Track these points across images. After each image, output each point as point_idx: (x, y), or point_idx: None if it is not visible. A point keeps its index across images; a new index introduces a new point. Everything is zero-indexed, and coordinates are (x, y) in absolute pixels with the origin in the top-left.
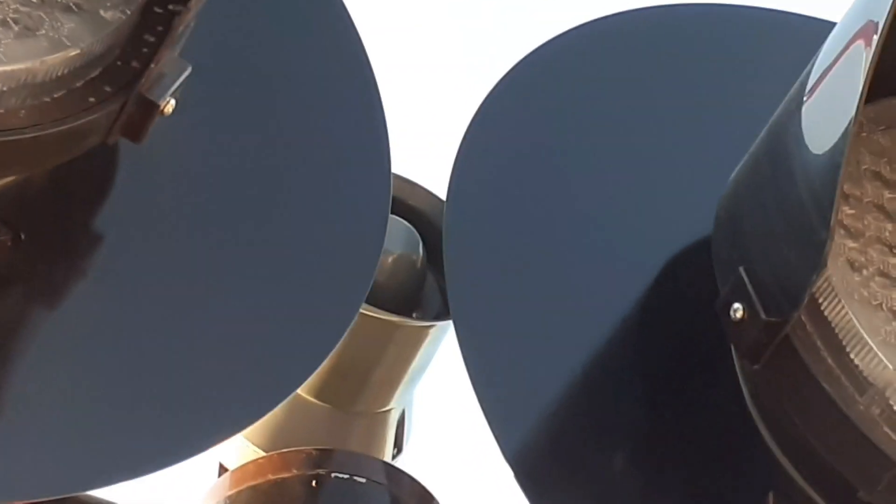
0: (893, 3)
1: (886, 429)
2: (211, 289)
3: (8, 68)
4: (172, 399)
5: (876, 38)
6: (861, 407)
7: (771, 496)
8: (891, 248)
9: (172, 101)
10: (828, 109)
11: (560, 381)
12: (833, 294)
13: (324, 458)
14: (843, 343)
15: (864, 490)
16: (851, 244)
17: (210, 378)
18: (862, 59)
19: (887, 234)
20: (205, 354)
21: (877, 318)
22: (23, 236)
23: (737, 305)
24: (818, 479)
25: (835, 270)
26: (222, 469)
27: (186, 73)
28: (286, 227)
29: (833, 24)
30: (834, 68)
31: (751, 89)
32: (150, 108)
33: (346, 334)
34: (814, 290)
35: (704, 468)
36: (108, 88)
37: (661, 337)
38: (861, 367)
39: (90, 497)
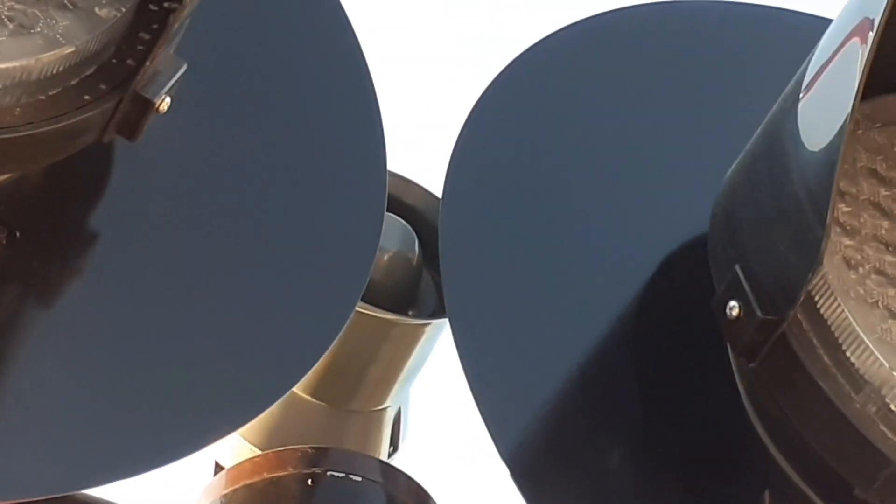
0: (889, 1)
1: (882, 427)
2: (206, 287)
3: (3, 66)
4: (168, 398)
5: (872, 35)
6: (857, 405)
7: (767, 494)
8: (887, 245)
9: (168, 99)
10: (824, 106)
11: (556, 380)
12: (829, 292)
13: (320, 456)
14: (840, 341)
15: (860, 488)
16: (847, 242)
17: (206, 376)
18: (858, 56)
19: (883, 231)
20: (200, 353)
21: (873, 316)
22: (18, 234)
23: (733, 303)
24: (814, 477)
25: (831, 268)
26: (218, 467)
27: (182, 71)
28: (281, 224)
29: (829, 21)
30: (830, 65)
31: (747, 86)
32: (145, 105)
33: (341, 332)
34: (810, 287)
35: (701, 466)
36: (103, 86)
37: (657, 335)
38: (857, 364)
39: (86, 496)
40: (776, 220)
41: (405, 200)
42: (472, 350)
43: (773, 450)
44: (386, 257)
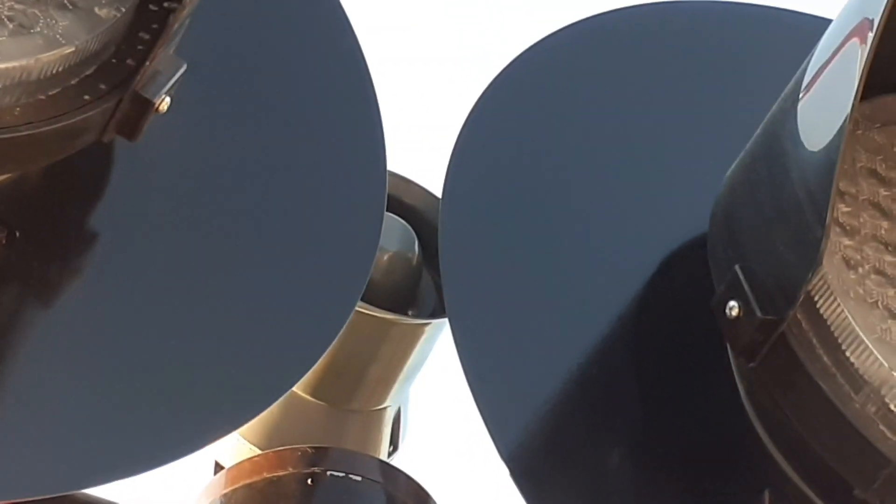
0: (889, 1)
1: (882, 427)
2: (206, 287)
3: (2, 66)
4: (168, 397)
5: (871, 35)
6: (857, 405)
7: (767, 494)
8: (886, 245)
9: (167, 99)
10: (823, 107)
11: (556, 380)
12: (829, 292)
13: (319, 456)
14: (839, 341)
15: (859, 488)
16: (847, 242)
17: (205, 376)
18: (857, 56)
19: (883, 231)
20: (200, 352)
21: (872, 316)
22: (18, 234)
23: (732, 303)
24: (814, 477)
25: (830, 268)
26: (218, 467)
27: (182, 71)
28: (281, 224)
29: (829, 22)
30: (829, 66)
31: (746, 86)
32: (145, 105)
33: (341, 332)
34: (809, 287)
35: (700, 466)
36: (103, 86)
37: (657, 335)
38: (857, 364)
39: (86, 495)
40: (776, 220)
41: (405, 200)
42: (471, 350)
43: (772, 450)
44: (386, 257)
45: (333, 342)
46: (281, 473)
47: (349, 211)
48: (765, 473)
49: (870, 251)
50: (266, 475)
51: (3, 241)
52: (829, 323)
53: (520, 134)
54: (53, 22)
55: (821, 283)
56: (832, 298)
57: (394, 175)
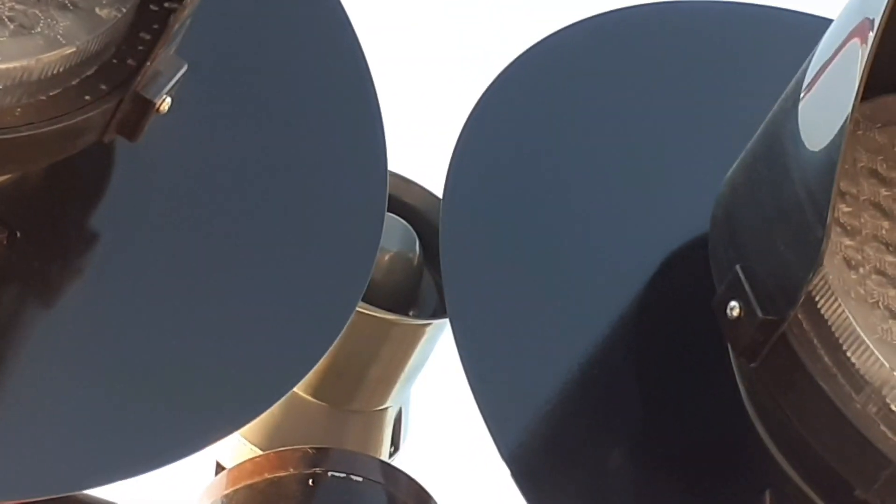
0: (889, 1)
1: (883, 427)
2: (207, 287)
3: (3, 66)
4: (169, 398)
5: (872, 35)
6: (857, 405)
7: (768, 494)
8: (887, 245)
9: (168, 100)
10: (824, 107)
11: (557, 380)
12: (829, 292)
13: (320, 456)
14: (840, 341)
15: (860, 488)
16: (848, 242)
17: (207, 376)
18: (858, 56)
19: (884, 231)
20: (201, 353)
21: (873, 316)
22: (18, 235)
23: (733, 304)
24: (815, 477)
25: (831, 268)
26: (219, 467)
27: (182, 71)
28: (282, 225)
29: (829, 21)
30: (830, 65)
31: (747, 86)
32: (145, 106)
33: (342, 332)
34: (810, 288)
35: (701, 466)
36: (103, 86)
37: (657, 335)
38: (858, 365)
39: (87, 496)
40: (777, 220)
41: (406, 200)
42: (472, 350)
43: (773, 450)
44: (387, 257)
45: (334, 343)
46: (282, 474)
47: (350, 211)
48: (766, 474)
49: (871, 251)
50: (267, 476)
51: (4, 242)
52: (829, 323)
53: (520, 134)
54: (54, 22)
55: (822, 283)
56: (833, 299)
57: (395, 175)
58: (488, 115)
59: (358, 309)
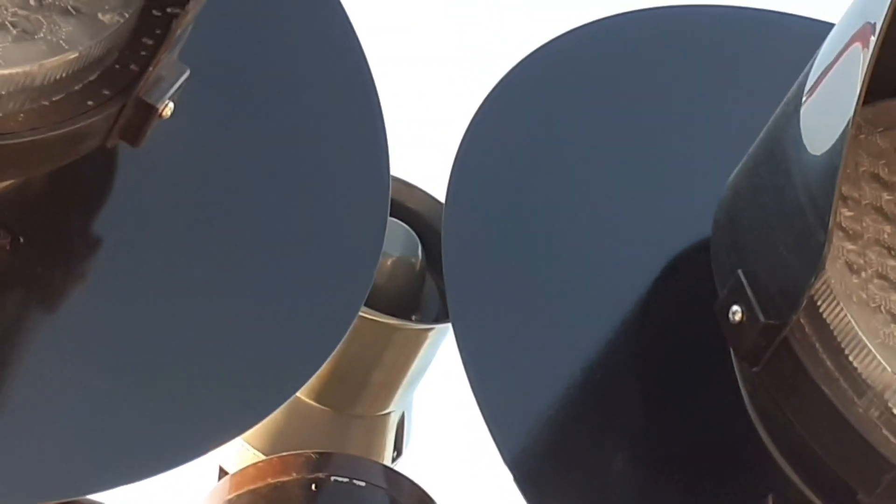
0: (891, 5)
1: (885, 431)
2: (209, 292)
3: (6, 72)
4: (172, 402)
5: (873, 39)
6: (860, 409)
7: (770, 498)
8: (889, 250)
9: (171, 105)
10: (826, 111)
11: (559, 384)
12: (831, 296)
13: (323, 461)
14: (842, 345)
15: (862, 492)
16: (850, 246)
17: (209, 381)
18: (860, 60)
19: (886, 236)
20: (204, 358)
21: (875, 321)
22: (21, 240)
23: (735, 308)
24: (817, 482)
25: (833, 273)
26: (222, 472)
27: (185, 77)
28: (284, 229)
29: (831, 26)
30: (832, 70)
31: (749, 91)
32: (148, 111)
33: (345, 337)
34: (812, 292)
35: (704, 470)
36: (106, 92)
37: (660, 339)
38: (860, 369)
39: (90, 501)
40: (779, 224)
41: (408, 205)
42: (475, 354)
43: (775, 454)
44: (389, 262)
45: (337, 347)
46: (285, 479)
47: (352, 216)
48: (768, 478)
49: (872, 255)
50: (270, 481)
51: (7, 247)
52: (832, 327)
53: (523, 138)
54: (57, 28)
55: (824, 287)
56: (835, 303)
57: (397, 180)
58: (490, 120)
59: (360, 314)
